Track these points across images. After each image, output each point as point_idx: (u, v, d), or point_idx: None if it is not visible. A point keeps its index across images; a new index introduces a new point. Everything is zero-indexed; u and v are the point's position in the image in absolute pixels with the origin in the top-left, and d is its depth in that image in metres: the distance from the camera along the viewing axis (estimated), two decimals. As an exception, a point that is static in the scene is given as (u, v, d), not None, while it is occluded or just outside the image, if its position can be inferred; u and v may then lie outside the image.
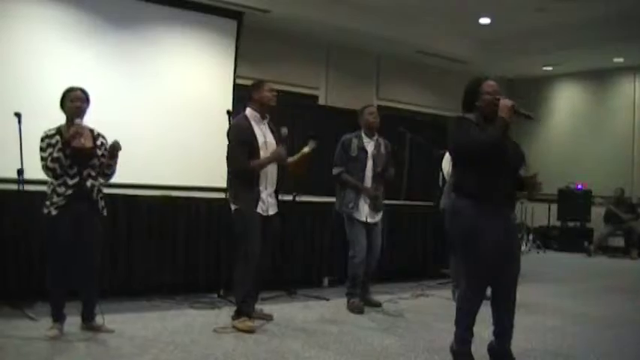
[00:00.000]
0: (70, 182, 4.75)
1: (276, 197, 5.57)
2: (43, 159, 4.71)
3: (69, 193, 4.74)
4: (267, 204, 5.42)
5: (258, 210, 5.33)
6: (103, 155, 4.95)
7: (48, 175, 4.75)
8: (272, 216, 5.49)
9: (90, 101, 4.95)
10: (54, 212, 4.72)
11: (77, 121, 4.77)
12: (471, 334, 4.30)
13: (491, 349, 4.42)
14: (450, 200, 4.36)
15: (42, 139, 4.77)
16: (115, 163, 4.99)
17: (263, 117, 5.47)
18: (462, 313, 4.31)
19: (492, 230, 4.10)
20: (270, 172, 5.45)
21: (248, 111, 5.49)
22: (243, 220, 5.32)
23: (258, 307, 5.68)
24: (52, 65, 8.28)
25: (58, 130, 4.81)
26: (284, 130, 5.55)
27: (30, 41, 8.21)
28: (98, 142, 4.95)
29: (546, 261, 11.46)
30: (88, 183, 4.84)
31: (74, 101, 4.84)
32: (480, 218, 4.10)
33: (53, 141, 4.74)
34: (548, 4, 10.60)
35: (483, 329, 4.44)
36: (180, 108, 9.38)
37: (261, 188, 5.36)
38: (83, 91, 4.92)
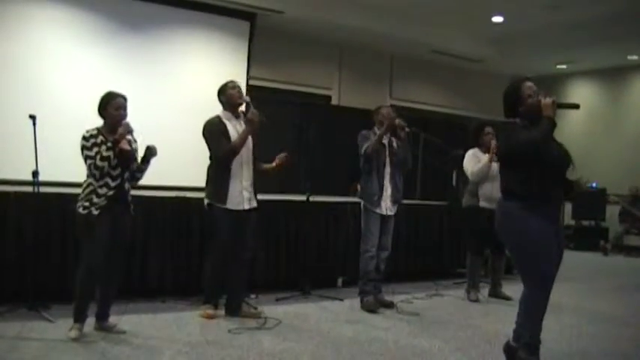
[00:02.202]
0: (112, 184, 4.82)
1: (254, 192, 5.69)
2: (90, 157, 4.74)
3: (110, 194, 4.80)
4: (242, 197, 5.56)
5: (229, 205, 5.49)
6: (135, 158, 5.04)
7: (94, 175, 4.77)
8: (249, 210, 5.63)
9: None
10: (95, 212, 4.74)
11: (125, 122, 4.85)
12: (538, 341, 4.14)
13: (510, 349, 4.33)
14: (502, 203, 4.28)
15: (86, 139, 4.79)
16: (147, 168, 5.08)
17: (236, 116, 5.69)
18: (525, 317, 4.15)
19: (544, 232, 4.03)
20: (246, 165, 5.60)
21: (221, 112, 5.71)
22: (212, 215, 5.56)
23: (248, 304, 5.86)
24: (66, 68, 8.33)
25: (99, 131, 4.85)
26: (246, 98, 5.71)
27: (44, 44, 8.25)
28: (134, 146, 5.01)
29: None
30: (126, 185, 4.94)
31: (119, 109, 4.89)
32: (530, 220, 4.03)
33: (98, 140, 4.79)
34: (561, 1, 10.54)
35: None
36: (194, 109, 9.34)
37: (235, 182, 5.52)
38: (125, 98, 4.97)
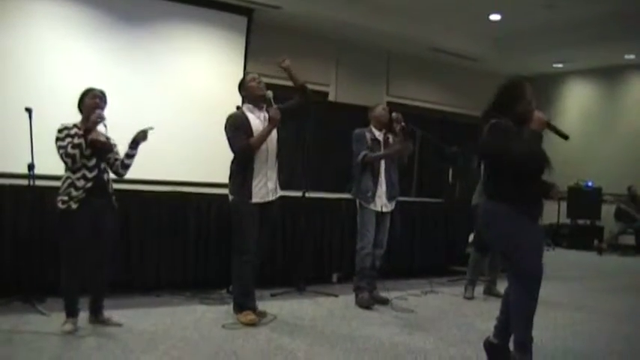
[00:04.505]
0: (90, 175, 4.80)
1: (279, 183, 5.60)
2: (62, 147, 4.73)
3: (89, 186, 4.78)
4: (267, 190, 5.45)
5: (255, 199, 5.36)
6: (116, 153, 5.06)
7: (66, 164, 4.75)
8: (272, 201, 5.52)
9: (107, 103, 5.00)
10: (74, 206, 4.72)
11: (98, 111, 4.83)
12: (531, 339, 4.11)
13: (491, 345, 4.32)
14: (489, 204, 4.24)
15: (60, 131, 4.79)
16: (135, 153, 5.09)
17: (259, 108, 5.55)
18: (519, 316, 4.13)
19: (532, 232, 4.06)
20: (271, 157, 5.47)
21: (244, 106, 5.63)
22: (237, 212, 5.40)
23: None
24: (64, 62, 8.32)
25: (75, 125, 4.85)
26: (269, 93, 5.53)
27: (42, 38, 8.25)
28: (110, 141, 5.03)
29: (556, 259, 11.39)
30: (105, 176, 4.91)
31: (94, 98, 4.90)
32: (518, 221, 4.02)
33: (72, 132, 4.78)
34: (558, 0, 10.56)
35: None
36: (191, 104, 9.40)
37: (260, 175, 5.40)
38: (102, 92, 4.99)
